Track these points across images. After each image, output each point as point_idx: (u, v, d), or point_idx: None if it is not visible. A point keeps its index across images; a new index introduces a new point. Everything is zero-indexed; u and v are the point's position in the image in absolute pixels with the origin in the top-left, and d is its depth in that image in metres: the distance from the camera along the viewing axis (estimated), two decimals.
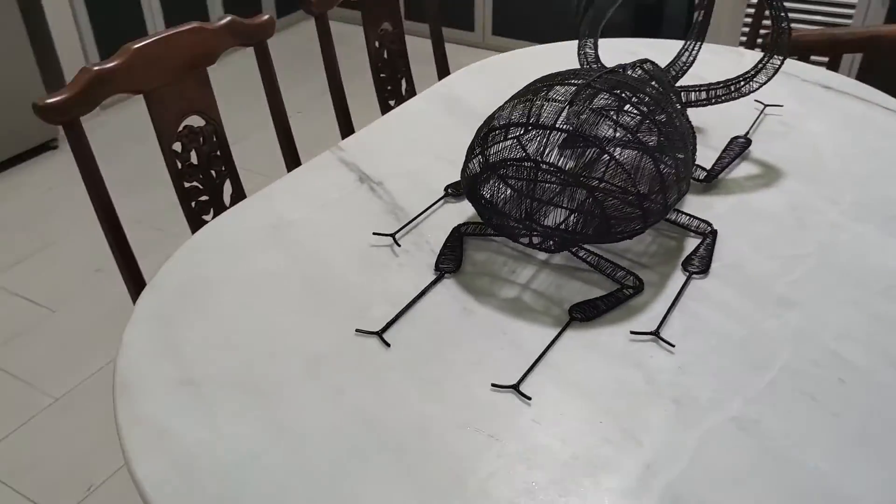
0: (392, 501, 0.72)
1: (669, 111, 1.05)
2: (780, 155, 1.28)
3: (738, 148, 1.29)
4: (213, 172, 1.35)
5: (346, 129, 1.63)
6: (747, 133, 1.34)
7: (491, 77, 1.58)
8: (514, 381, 0.85)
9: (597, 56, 1.33)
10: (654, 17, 2.35)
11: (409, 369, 0.87)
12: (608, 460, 0.76)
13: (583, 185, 0.94)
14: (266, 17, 1.38)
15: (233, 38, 1.33)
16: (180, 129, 1.28)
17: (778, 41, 1.20)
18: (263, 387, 0.85)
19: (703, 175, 1.22)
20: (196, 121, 1.32)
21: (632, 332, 0.92)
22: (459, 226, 1.10)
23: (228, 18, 1.32)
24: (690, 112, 1.42)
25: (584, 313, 0.95)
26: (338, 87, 1.61)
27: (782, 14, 1.21)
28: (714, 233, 1.09)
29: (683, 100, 1.23)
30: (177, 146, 1.30)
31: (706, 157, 1.28)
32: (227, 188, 1.44)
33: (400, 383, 0.85)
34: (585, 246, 1.05)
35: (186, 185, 1.30)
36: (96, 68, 1.15)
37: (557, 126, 0.95)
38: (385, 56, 1.70)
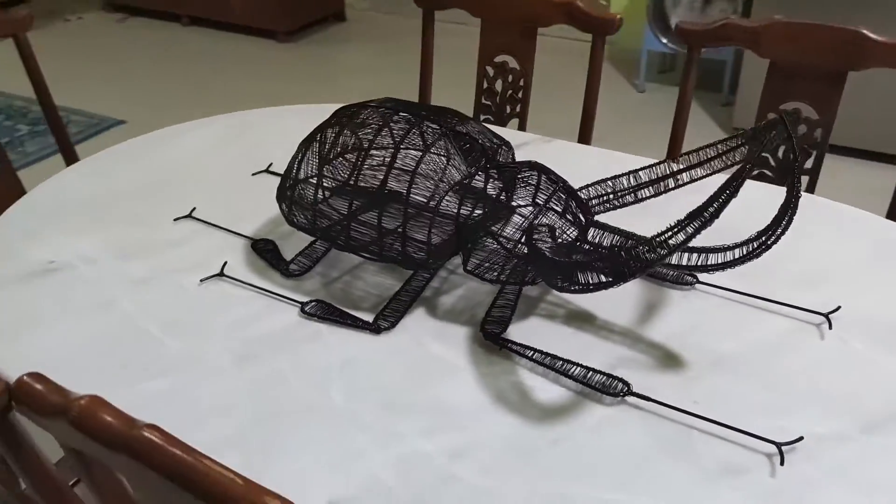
0: None
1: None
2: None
3: None
4: (507, 107, 1.63)
5: None
6: None
7: None
8: None
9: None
10: None
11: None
12: None
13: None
14: (617, 16, 1.46)
15: (564, 17, 1.50)
16: (497, 60, 1.61)
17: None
18: None
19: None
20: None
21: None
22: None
23: (569, 2, 1.48)
24: None
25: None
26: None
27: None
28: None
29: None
30: (490, 70, 1.63)
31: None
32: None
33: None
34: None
35: (484, 102, 1.65)
36: None
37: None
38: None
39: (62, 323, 1.02)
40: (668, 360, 0.94)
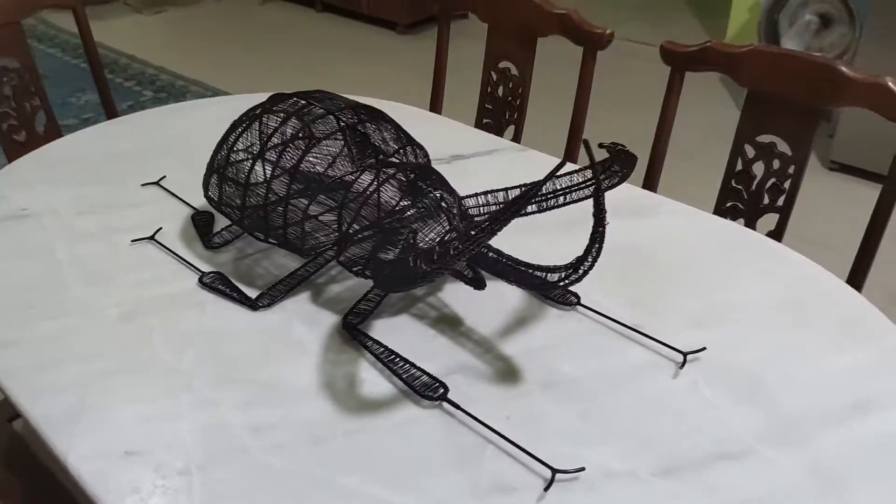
0: None
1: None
2: None
3: None
4: (506, 113, 1.63)
5: None
6: None
7: None
8: None
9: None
10: None
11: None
12: None
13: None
14: (607, 31, 1.42)
15: (559, 28, 1.48)
16: (501, 65, 1.61)
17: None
18: None
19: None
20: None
21: None
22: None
23: (564, 11, 1.46)
24: None
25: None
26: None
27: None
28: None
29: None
30: (493, 75, 1.63)
31: None
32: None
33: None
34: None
35: (486, 106, 1.66)
36: None
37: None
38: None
39: (5, 263, 1.15)
40: (506, 373, 0.94)
